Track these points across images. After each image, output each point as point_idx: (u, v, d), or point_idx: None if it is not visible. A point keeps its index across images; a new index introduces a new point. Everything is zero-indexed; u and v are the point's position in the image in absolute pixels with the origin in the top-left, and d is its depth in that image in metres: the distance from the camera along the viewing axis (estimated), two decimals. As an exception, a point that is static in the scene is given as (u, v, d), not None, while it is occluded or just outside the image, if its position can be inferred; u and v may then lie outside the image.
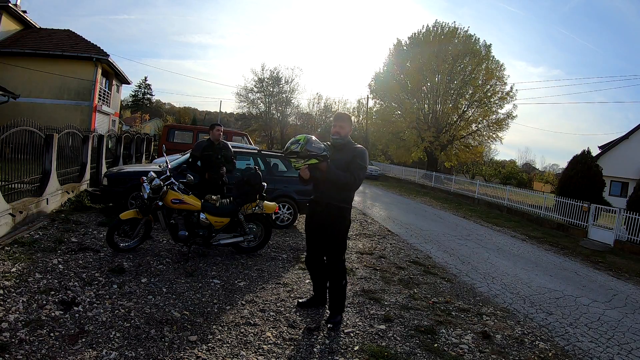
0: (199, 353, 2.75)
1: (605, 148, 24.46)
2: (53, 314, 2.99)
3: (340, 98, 68.13)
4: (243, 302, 3.69)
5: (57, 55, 17.36)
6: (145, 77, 67.50)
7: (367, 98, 33.94)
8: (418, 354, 3.12)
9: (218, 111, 51.99)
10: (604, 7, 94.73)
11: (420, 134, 27.48)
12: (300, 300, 3.38)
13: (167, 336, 2.91)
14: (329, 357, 2.91)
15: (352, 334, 3.31)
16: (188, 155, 6.06)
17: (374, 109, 33.77)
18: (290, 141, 3.18)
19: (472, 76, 26.75)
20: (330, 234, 3.36)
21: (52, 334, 2.72)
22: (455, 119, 27.91)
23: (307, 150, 3.05)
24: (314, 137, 3.16)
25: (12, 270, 3.68)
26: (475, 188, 18.28)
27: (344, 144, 3.34)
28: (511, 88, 26.44)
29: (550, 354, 3.46)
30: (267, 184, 5.37)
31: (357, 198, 12.14)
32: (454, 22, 44.89)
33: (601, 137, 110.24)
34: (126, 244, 4.69)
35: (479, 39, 27.10)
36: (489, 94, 26.85)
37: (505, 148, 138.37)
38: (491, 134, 27.83)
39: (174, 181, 4.72)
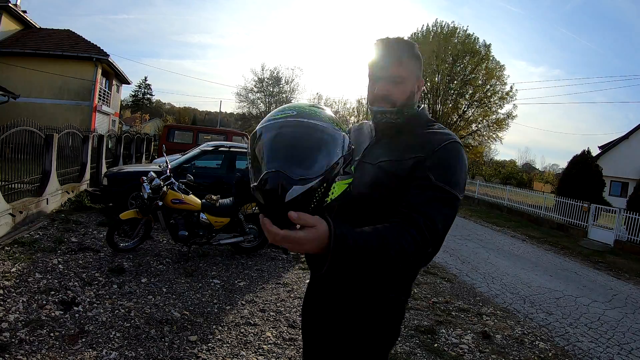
0: (199, 353, 2.75)
1: (605, 148, 24.42)
2: (53, 314, 2.99)
3: (340, 98, 68.09)
4: (243, 302, 3.70)
5: (57, 55, 17.35)
6: (145, 77, 67.14)
7: (367, 98, 33.98)
8: (418, 354, 3.12)
9: (218, 111, 52.02)
10: (604, 6, 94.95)
11: (420, 134, 27.45)
12: None
13: (167, 336, 2.91)
14: (329, 357, 2.91)
15: (352, 334, 3.31)
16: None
17: (374, 109, 33.74)
18: (276, 110, 0.99)
19: (472, 76, 26.73)
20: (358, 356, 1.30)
21: (52, 334, 2.72)
22: (455, 119, 27.89)
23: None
24: (328, 111, 1.01)
25: (12, 270, 3.68)
26: (475, 188, 18.28)
27: (402, 122, 1.25)
28: (511, 88, 26.43)
29: (550, 354, 3.47)
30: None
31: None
32: (453, 21, 44.91)
33: (601, 137, 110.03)
34: (126, 244, 4.69)
35: (478, 38, 27.08)
36: (489, 94, 26.84)
37: (505, 148, 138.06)
38: (491, 134, 27.83)
39: (174, 181, 4.72)
